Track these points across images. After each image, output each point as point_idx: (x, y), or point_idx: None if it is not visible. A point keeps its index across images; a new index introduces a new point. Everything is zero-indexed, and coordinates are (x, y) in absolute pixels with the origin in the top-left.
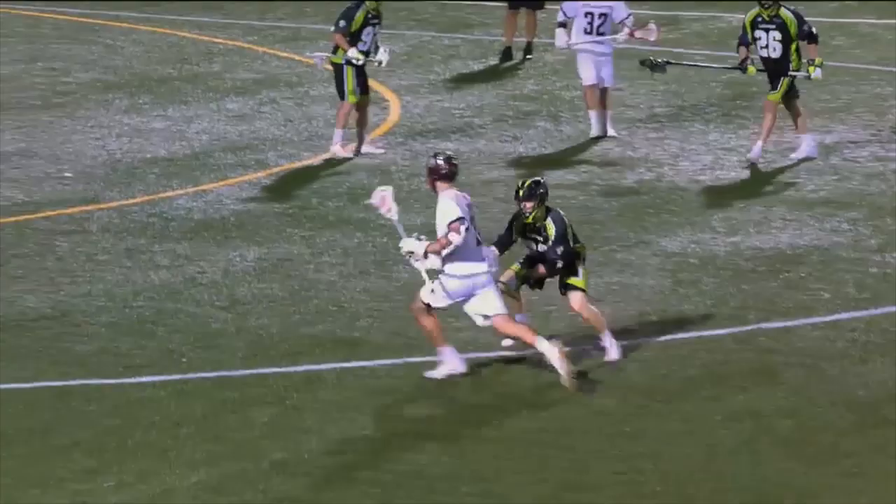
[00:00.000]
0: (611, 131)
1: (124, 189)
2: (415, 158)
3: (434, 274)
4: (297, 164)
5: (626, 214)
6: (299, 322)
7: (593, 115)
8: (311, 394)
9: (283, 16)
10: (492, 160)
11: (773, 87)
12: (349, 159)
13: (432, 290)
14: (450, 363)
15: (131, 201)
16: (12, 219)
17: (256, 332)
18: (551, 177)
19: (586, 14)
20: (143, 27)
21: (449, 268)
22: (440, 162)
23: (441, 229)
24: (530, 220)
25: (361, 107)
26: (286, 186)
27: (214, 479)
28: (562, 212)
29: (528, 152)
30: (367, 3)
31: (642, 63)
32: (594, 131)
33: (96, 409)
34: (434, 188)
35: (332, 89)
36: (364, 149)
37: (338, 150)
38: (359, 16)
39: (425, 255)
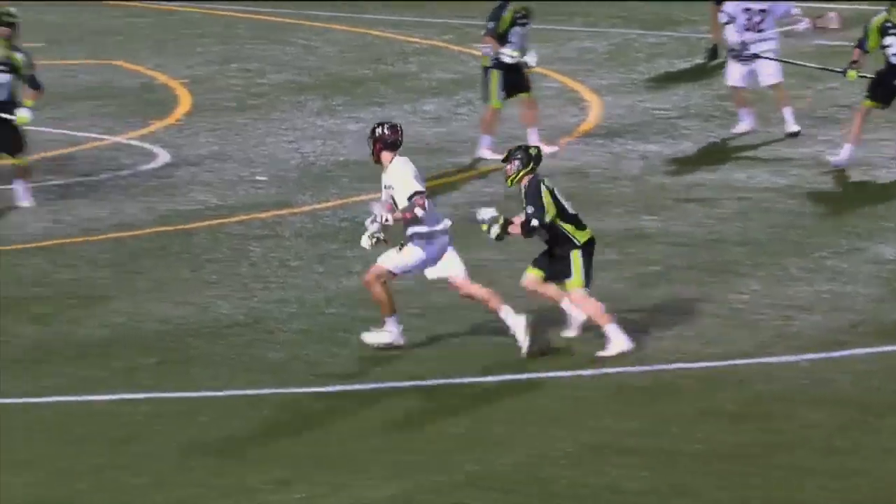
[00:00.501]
0: (794, 126)
1: (317, 193)
2: (616, 161)
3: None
4: (495, 167)
5: (837, 219)
6: (494, 330)
7: (741, 112)
8: (507, 404)
9: (480, 13)
10: (696, 162)
11: None
12: (546, 161)
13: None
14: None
15: (324, 205)
16: (206, 223)
17: (451, 340)
18: (758, 180)
19: (745, 10)
20: (337, 27)
21: (415, 234)
22: (385, 131)
23: (402, 196)
24: (510, 184)
25: (527, 105)
26: (482, 190)
27: (407, 491)
28: (545, 180)
29: (734, 154)
30: (514, 3)
31: (730, 52)
32: (740, 128)
33: (288, 418)
34: (378, 158)
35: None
36: (480, 153)
37: (486, 154)
38: (506, 16)
39: (385, 221)
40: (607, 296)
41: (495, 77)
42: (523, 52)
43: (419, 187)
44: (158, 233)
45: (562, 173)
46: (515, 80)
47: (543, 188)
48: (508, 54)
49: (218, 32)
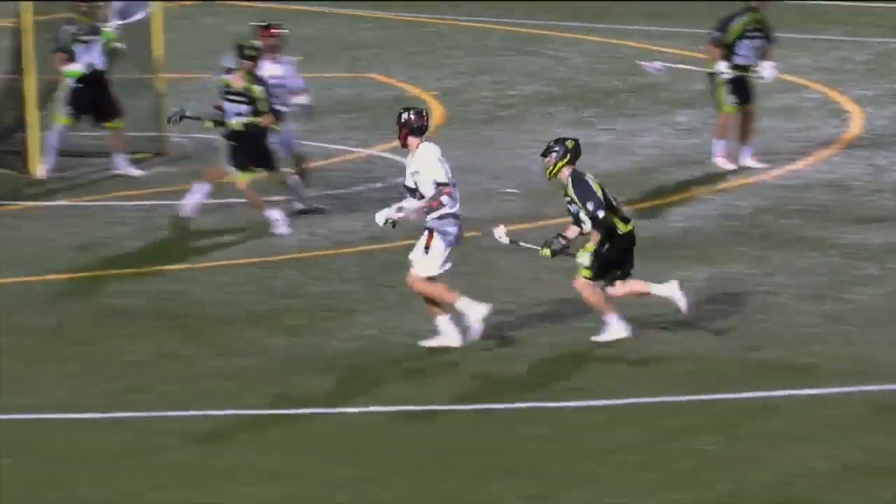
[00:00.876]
0: None
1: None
2: (878, 174)
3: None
4: (749, 180)
5: None
6: (748, 346)
7: None
8: (761, 422)
9: None
10: None
11: None
12: (805, 174)
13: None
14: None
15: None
16: None
17: (702, 355)
18: None
19: None
20: (589, 37)
21: (440, 224)
22: (411, 116)
23: (426, 184)
24: (549, 176)
25: (745, 116)
26: (736, 203)
27: None
28: (589, 175)
29: None
30: (749, 14)
31: None
32: None
33: (538, 432)
34: (405, 143)
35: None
36: (743, 162)
37: (720, 161)
38: (735, 27)
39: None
40: (865, 310)
41: (720, 82)
42: (752, 65)
43: (444, 178)
44: (408, 246)
45: (821, 185)
46: (740, 88)
47: (591, 178)
48: (722, 70)
49: (469, 44)
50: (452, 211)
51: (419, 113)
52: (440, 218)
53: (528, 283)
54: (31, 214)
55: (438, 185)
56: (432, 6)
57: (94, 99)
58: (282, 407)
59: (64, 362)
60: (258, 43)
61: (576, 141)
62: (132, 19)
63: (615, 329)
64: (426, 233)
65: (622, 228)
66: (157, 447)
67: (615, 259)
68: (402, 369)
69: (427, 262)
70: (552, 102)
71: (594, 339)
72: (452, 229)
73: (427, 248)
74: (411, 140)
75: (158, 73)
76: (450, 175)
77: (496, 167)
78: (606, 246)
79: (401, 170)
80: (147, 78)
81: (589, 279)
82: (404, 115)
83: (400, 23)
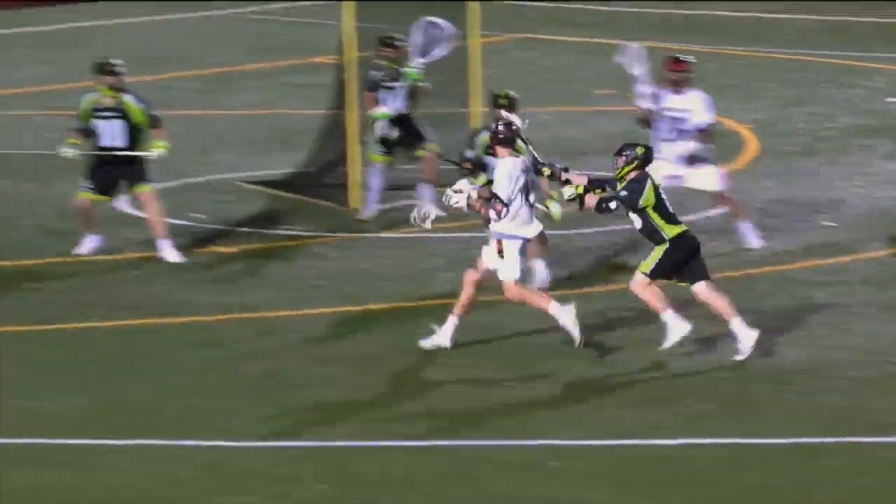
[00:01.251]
0: None
1: (888, 239)
2: None
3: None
4: None
5: None
6: None
7: None
8: None
9: None
10: None
11: None
12: None
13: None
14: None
15: (894, 251)
16: (769, 268)
17: None
18: None
19: None
20: None
21: (508, 230)
22: (500, 128)
23: (498, 190)
24: (617, 176)
25: None
26: None
27: None
28: (654, 181)
29: None
30: None
31: None
32: None
33: (846, 466)
34: (495, 153)
35: None
36: None
37: None
38: None
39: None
40: None
41: None
42: None
43: (505, 195)
44: (739, 277)
45: None
46: None
47: (650, 181)
48: None
49: (785, 76)
50: (506, 221)
51: (508, 125)
52: (501, 228)
53: (841, 315)
54: (350, 245)
55: (496, 197)
56: (744, 39)
57: (402, 137)
58: (594, 437)
59: (377, 391)
60: (512, 93)
61: (647, 148)
62: (434, 56)
63: (674, 328)
64: (495, 241)
65: (668, 232)
66: (472, 476)
67: (677, 262)
68: (715, 401)
69: (507, 266)
70: (870, 135)
71: (662, 348)
72: (517, 240)
73: (500, 253)
74: (499, 150)
75: (475, 108)
76: (513, 195)
77: (814, 199)
78: (671, 253)
79: (700, 204)
80: (461, 113)
81: (646, 277)
82: (492, 126)
83: (714, 55)
